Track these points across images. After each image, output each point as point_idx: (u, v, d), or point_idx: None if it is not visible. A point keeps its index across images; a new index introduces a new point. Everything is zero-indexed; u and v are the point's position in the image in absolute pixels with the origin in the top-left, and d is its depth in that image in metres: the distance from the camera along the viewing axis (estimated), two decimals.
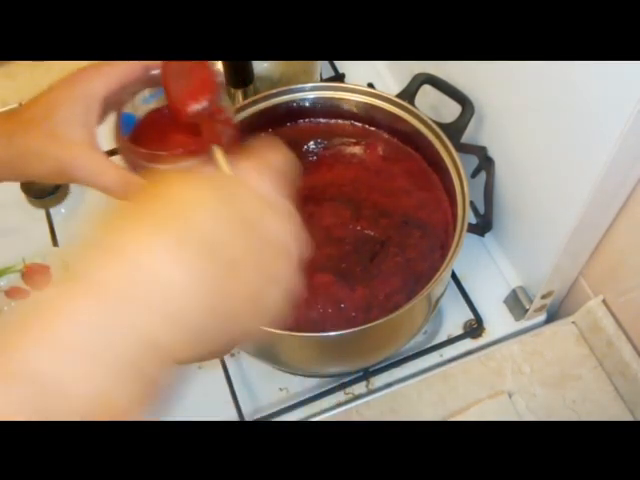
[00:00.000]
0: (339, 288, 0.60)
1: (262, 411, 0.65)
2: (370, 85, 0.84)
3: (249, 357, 0.67)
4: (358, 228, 0.64)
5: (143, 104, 0.54)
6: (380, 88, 0.82)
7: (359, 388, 0.67)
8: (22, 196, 0.79)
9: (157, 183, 0.31)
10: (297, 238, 0.33)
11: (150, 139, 0.52)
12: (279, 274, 0.32)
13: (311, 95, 0.68)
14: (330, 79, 0.86)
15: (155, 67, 0.52)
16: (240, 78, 0.70)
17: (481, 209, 0.69)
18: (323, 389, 0.66)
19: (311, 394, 0.66)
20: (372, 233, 0.63)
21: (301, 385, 0.68)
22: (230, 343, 0.32)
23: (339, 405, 0.65)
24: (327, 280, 0.60)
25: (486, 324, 0.70)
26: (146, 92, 0.54)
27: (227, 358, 0.68)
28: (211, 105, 0.49)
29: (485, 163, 0.66)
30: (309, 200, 0.66)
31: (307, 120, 0.70)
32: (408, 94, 0.68)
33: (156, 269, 0.27)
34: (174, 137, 0.53)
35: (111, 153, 0.52)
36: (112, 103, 0.51)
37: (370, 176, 0.67)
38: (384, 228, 0.64)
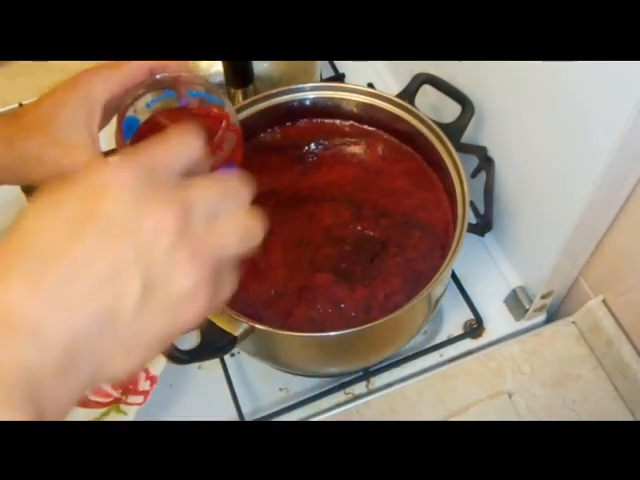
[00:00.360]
0: (339, 288, 0.60)
1: (262, 411, 0.65)
2: (370, 85, 0.84)
3: (249, 357, 0.67)
4: (358, 228, 0.64)
5: (146, 108, 0.54)
6: (380, 88, 0.82)
7: (359, 388, 0.67)
8: (22, 196, 0.79)
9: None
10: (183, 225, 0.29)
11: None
12: (173, 267, 0.28)
13: (311, 95, 0.68)
14: (330, 79, 0.86)
15: (159, 70, 0.51)
16: (240, 78, 0.69)
17: (481, 209, 0.69)
18: (323, 389, 0.66)
19: (311, 394, 0.66)
20: (372, 233, 0.63)
21: (301, 385, 0.68)
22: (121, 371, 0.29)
23: (339, 405, 0.65)
24: (327, 280, 0.60)
25: (486, 324, 0.70)
26: (149, 96, 0.54)
27: (227, 358, 0.68)
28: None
29: (485, 163, 0.66)
30: (309, 200, 0.66)
31: (307, 120, 0.70)
32: (408, 94, 0.68)
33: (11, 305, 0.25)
34: None
35: (111, 152, 0.52)
36: (114, 107, 0.50)
37: (370, 176, 0.67)
38: (384, 228, 0.64)
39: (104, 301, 0.27)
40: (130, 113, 0.52)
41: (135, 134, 0.53)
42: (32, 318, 0.25)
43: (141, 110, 0.54)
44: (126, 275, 0.27)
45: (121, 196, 0.28)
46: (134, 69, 0.51)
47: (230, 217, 0.31)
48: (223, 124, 0.51)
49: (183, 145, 0.31)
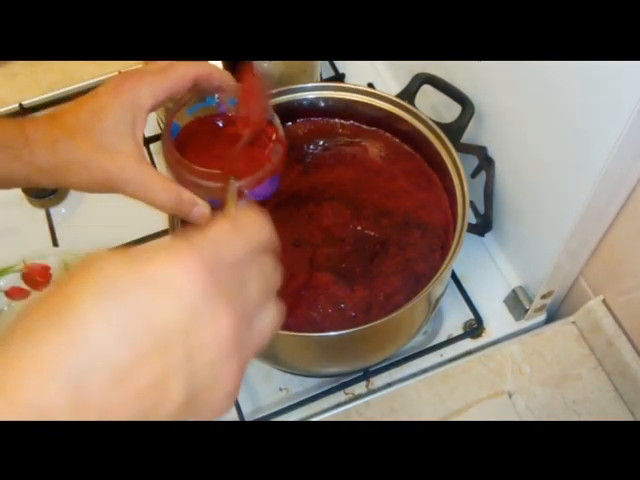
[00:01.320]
0: (339, 288, 0.60)
1: (262, 411, 0.65)
2: (370, 85, 0.84)
3: None
4: (359, 228, 0.64)
5: (187, 114, 0.54)
6: (380, 88, 0.82)
7: (359, 388, 0.67)
8: (22, 196, 0.79)
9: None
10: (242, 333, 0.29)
11: (192, 149, 0.52)
12: (218, 377, 0.28)
13: (311, 95, 0.68)
14: (330, 79, 0.86)
15: (203, 79, 0.51)
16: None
17: (481, 209, 0.69)
18: (323, 389, 0.66)
19: (311, 394, 0.66)
20: (372, 233, 0.63)
21: (301, 385, 0.68)
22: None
23: (339, 405, 0.65)
24: (327, 280, 0.60)
25: (486, 324, 0.70)
26: (192, 102, 0.54)
27: None
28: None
29: (485, 163, 0.66)
30: (309, 200, 0.66)
31: (307, 120, 0.70)
32: (408, 94, 0.68)
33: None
34: (216, 148, 0.53)
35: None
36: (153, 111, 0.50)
37: (370, 176, 0.67)
38: (384, 228, 0.63)
39: (143, 407, 0.26)
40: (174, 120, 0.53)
41: (175, 138, 0.54)
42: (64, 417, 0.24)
43: (181, 115, 0.54)
44: (171, 383, 0.26)
45: (183, 301, 0.26)
46: (180, 76, 0.50)
47: (269, 316, 0.31)
48: (274, 137, 0.53)
49: (255, 236, 0.31)
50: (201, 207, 0.51)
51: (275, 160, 0.53)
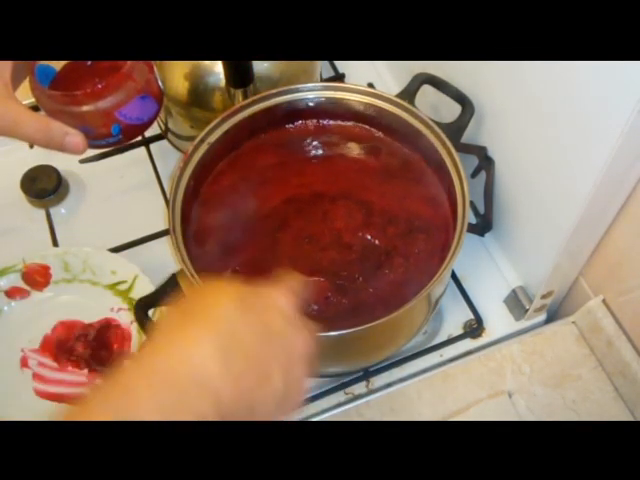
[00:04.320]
0: (336, 295, 0.60)
1: None
2: (370, 85, 0.84)
3: None
4: (368, 237, 0.63)
5: None
6: (380, 88, 0.82)
7: (359, 388, 0.67)
8: (22, 196, 0.79)
9: (196, 294, 0.39)
10: (311, 350, 0.39)
11: (70, 88, 0.53)
12: (298, 378, 0.38)
13: (311, 95, 0.68)
14: (330, 79, 0.86)
15: None
16: (240, 78, 0.69)
17: (481, 209, 0.69)
18: (323, 389, 0.66)
19: (311, 394, 0.66)
20: (379, 242, 0.63)
21: None
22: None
23: (339, 405, 0.65)
24: (324, 286, 0.60)
25: (486, 324, 0.70)
26: None
27: None
28: None
29: (485, 163, 0.66)
30: (309, 200, 0.66)
31: (307, 120, 0.70)
32: (408, 94, 0.68)
33: (198, 364, 0.33)
34: (94, 83, 0.53)
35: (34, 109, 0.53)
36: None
37: (370, 176, 0.67)
38: (391, 238, 0.63)
39: (257, 396, 0.35)
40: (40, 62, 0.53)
41: (52, 82, 0.54)
42: (218, 390, 0.33)
43: None
44: (277, 378, 0.35)
45: (287, 318, 0.37)
46: None
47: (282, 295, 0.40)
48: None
49: (307, 286, 0.42)
50: (73, 135, 0.52)
51: (140, 79, 0.53)
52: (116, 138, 0.55)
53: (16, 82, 0.52)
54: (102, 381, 0.33)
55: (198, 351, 0.33)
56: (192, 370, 0.32)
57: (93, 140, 0.54)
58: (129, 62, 0.53)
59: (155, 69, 0.57)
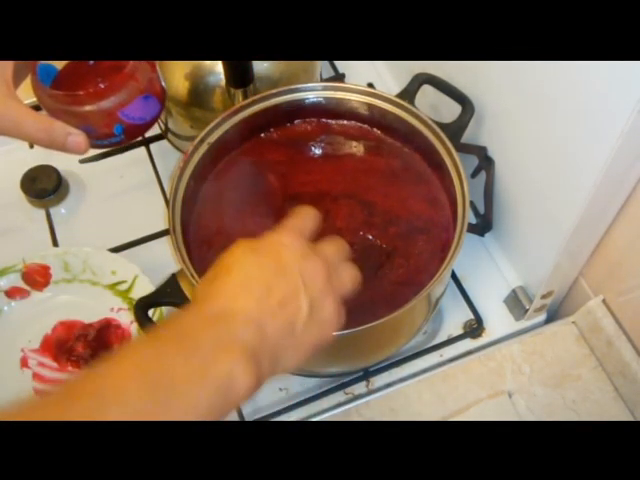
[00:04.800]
0: None
1: (262, 411, 0.65)
2: (370, 85, 0.84)
3: None
4: (369, 237, 0.63)
5: None
6: (380, 88, 0.82)
7: (359, 388, 0.67)
8: (22, 196, 0.79)
9: (223, 257, 0.43)
10: (325, 272, 0.43)
11: (72, 88, 0.53)
12: (322, 296, 0.42)
13: (311, 95, 0.68)
14: (330, 79, 0.86)
15: None
16: (240, 78, 0.69)
17: (481, 209, 0.69)
18: (323, 389, 0.66)
19: (311, 394, 0.66)
20: (380, 243, 0.63)
21: (301, 385, 0.68)
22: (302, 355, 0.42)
23: (339, 405, 0.65)
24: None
25: (486, 324, 0.70)
26: None
27: None
28: None
29: (485, 163, 0.66)
30: (308, 200, 0.66)
31: (307, 120, 0.70)
32: (408, 94, 0.68)
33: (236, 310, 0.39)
34: (96, 83, 0.53)
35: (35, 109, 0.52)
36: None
37: (369, 176, 0.67)
38: (392, 239, 0.63)
39: (287, 314, 0.40)
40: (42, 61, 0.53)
41: (54, 81, 0.54)
42: (247, 316, 0.39)
43: None
44: (299, 298, 0.40)
45: (293, 251, 0.42)
46: None
47: (344, 268, 0.45)
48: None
49: (313, 218, 0.47)
50: (75, 135, 0.52)
51: (142, 79, 0.53)
52: (118, 138, 0.55)
53: (17, 81, 0.52)
54: (161, 325, 0.40)
55: (227, 294, 0.40)
56: (229, 308, 0.39)
57: (95, 140, 0.54)
58: (131, 62, 0.53)
59: (158, 68, 0.57)
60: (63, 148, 0.52)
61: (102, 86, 0.51)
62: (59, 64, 0.55)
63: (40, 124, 0.50)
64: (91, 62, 0.56)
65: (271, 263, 0.41)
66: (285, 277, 0.41)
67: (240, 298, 0.40)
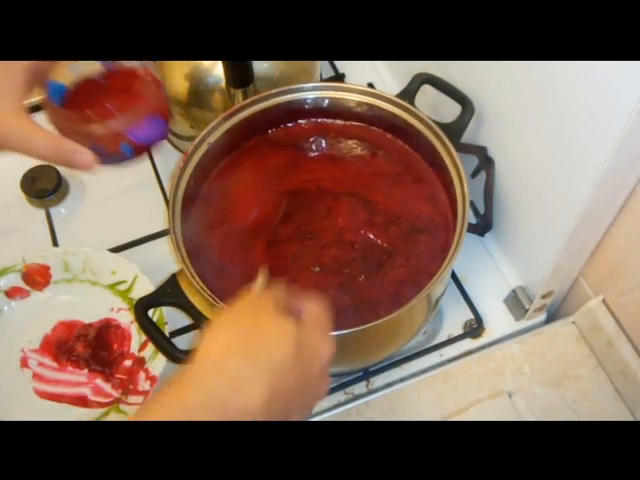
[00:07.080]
0: (337, 293, 0.60)
1: None
2: (370, 85, 0.84)
3: None
4: (370, 236, 0.63)
5: (72, 73, 0.55)
6: (380, 88, 0.82)
7: (359, 388, 0.67)
8: (22, 196, 0.79)
9: (256, 309, 0.43)
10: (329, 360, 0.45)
11: (82, 107, 0.53)
12: (308, 409, 0.44)
13: (311, 95, 0.68)
14: (330, 79, 0.86)
15: None
16: (240, 78, 0.69)
17: (481, 209, 0.69)
18: None
19: None
20: (381, 242, 0.63)
21: None
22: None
23: (339, 405, 0.65)
24: (326, 283, 0.60)
25: (486, 324, 0.70)
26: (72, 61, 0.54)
27: None
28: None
29: (485, 163, 0.66)
30: (307, 200, 0.66)
31: (307, 120, 0.70)
32: (408, 94, 0.68)
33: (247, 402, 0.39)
34: (104, 102, 0.53)
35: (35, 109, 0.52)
36: (37, 71, 0.51)
37: (370, 176, 0.67)
38: (393, 238, 0.63)
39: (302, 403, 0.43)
40: (58, 78, 0.53)
41: (64, 99, 0.54)
42: (254, 418, 0.39)
43: (64, 75, 0.54)
44: (295, 414, 0.42)
45: (320, 369, 0.44)
46: None
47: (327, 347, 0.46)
48: (140, 72, 0.53)
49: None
50: (83, 154, 0.52)
51: (150, 99, 0.53)
52: (126, 156, 0.55)
53: (25, 96, 0.52)
54: (164, 386, 0.38)
55: (251, 390, 0.38)
56: (240, 402, 0.38)
57: (103, 158, 0.54)
58: (137, 81, 0.53)
59: (165, 87, 0.56)
60: (70, 166, 0.52)
61: (110, 106, 0.52)
62: (67, 80, 0.55)
63: (49, 142, 0.50)
64: (101, 81, 0.56)
65: (303, 379, 0.42)
66: (302, 397, 0.42)
67: (258, 403, 0.39)
